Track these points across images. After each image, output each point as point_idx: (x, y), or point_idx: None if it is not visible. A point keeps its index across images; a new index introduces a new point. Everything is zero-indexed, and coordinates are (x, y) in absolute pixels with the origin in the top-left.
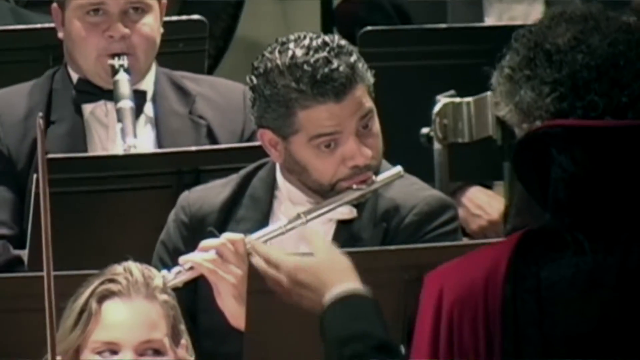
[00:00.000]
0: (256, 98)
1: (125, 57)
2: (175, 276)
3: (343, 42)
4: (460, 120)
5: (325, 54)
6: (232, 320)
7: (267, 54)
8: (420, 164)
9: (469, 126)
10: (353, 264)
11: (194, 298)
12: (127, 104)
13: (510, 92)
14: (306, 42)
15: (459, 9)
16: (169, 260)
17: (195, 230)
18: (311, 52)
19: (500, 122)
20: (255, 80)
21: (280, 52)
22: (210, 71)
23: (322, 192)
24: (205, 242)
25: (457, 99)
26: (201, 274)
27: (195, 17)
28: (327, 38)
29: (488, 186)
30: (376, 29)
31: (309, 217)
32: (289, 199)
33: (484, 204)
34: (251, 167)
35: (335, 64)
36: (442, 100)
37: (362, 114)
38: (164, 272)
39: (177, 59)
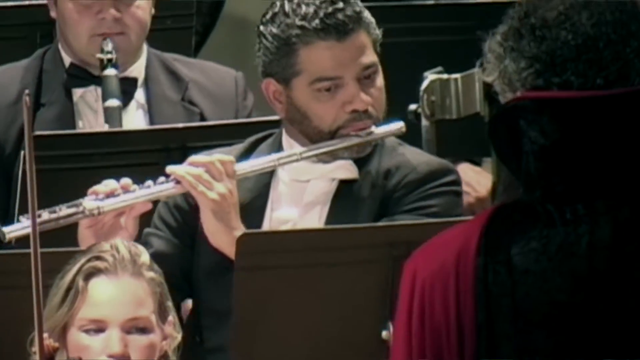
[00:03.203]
0: (261, 43)
1: (113, 52)
2: (160, 187)
3: None
4: (448, 97)
5: None
6: (210, 238)
7: (275, 2)
8: (409, 140)
9: (457, 103)
10: (341, 239)
11: (191, 257)
12: (114, 102)
13: (498, 60)
14: None
15: None
16: (171, 217)
17: None
18: None
19: (488, 98)
20: (262, 27)
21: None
22: (198, 48)
23: (323, 141)
24: (194, 157)
25: (445, 76)
26: (186, 191)
27: None
28: None
29: (477, 163)
30: (364, 6)
31: (303, 154)
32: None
33: (472, 180)
34: (260, 135)
35: (341, 4)
36: (429, 76)
37: (366, 63)
38: (149, 181)
39: (165, 36)
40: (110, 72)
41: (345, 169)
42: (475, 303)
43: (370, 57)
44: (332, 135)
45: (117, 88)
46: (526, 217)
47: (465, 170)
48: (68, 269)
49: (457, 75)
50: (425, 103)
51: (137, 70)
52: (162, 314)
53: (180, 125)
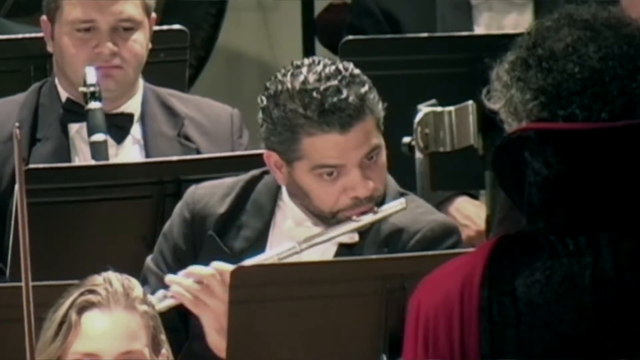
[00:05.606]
0: (265, 119)
1: (97, 84)
2: (160, 301)
3: (357, 71)
4: (442, 130)
5: (336, 82)
6: (216, 352)
7: (279, 76)
8: (402, 173)
9: (451, 135)
10: (334, 272)
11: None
12: (100, 137)
13: (505, 88)
14: (319, 68)
15: (448, 16)
16: (170, 255)
17: (196, 229)
18: (323, 79)
19: (482, 131)
20: (265, 102)
21: (292, 75)
22: (192, 81)
23: (323, 218)
24: (194, 269)
25: (439, 108)
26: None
27: (177, 26)
28: (340, 66)
29: (474, 196)
30: (357, 39)
31: (303, 247)
32: (292, 217)
33: (471, 214)
34: (258, 171)
35: (345, 93)
36: (423, 109)
37: (369, 149)
38: (150, 298)
39: (159, 68)
40: (94, 105)
41: (346, 235)
42: (480, 334)
43: (374, 140)
44: (333, 215)
45: (103, 122)
46: (529, 249)
47: (465, 204)
48: (61, 302)
49: (451, 108)
50: (419, 136)
51: (133, 106)
52: (155, 348)
53: (175, 158)
